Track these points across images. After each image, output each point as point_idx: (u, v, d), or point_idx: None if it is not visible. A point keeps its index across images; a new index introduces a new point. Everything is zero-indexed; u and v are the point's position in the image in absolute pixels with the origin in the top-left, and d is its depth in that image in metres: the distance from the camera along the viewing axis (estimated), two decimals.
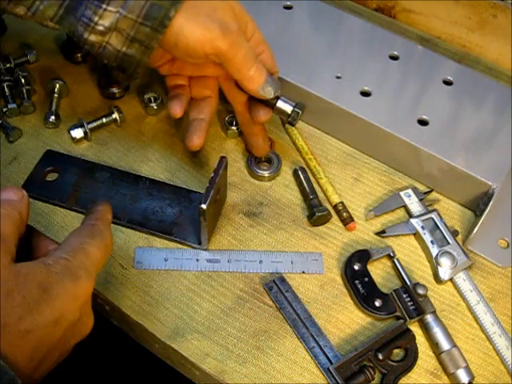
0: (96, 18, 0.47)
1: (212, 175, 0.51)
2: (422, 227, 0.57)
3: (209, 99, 0.58)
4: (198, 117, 0.58)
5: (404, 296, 0.52)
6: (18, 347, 0.35)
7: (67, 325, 0.38)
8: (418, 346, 0.51)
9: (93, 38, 0.48)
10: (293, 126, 0.57)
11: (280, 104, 0.55)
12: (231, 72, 0.52)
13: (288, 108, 0.55)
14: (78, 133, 0.62)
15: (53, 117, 0.63)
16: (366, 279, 0.53)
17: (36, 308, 0.36)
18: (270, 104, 0.55)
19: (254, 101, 0.56)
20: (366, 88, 0.64)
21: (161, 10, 0.47)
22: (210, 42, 0.48)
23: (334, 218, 0.59)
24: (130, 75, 0.52)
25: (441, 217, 0.58)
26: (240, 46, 0.50)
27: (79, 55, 0.69)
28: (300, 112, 0.55)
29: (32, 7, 0.47)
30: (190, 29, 0.48)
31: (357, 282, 0.53)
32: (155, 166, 0.62)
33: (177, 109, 0.56)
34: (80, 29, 0.48)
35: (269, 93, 0.53)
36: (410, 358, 0.50)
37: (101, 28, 0.48)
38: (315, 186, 0.60)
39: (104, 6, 0.47)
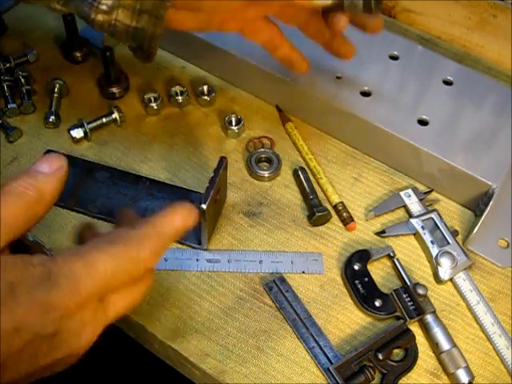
0: None
1: (212, 175, 0.51)
2: (422, 227, 0.57)
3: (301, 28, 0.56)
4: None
5: (404, 296, 0.52)
6: None
7: (31, 337, 0.32)
8: (418, 345, 0.51)
9: (100, 17, 0.47)
10: (371, 12, 0.48)
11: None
12: None
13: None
14: (77, 133, 0.62)
15: (53, 117, 0.63)
16: (366, 279, 0.53)
17: None
18: (337, 7, 0.49)
19: (324, 12, 0.52)
20: (365, 88, 0.64)
21: None
22: None
23: (334, 217, 0.59)
24: (148, 52, 0.50)
25: (441, 217, 0.58)
26: None
27: (79, 55, 0.69)
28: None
29: None
30: None
31: (357, 282, 0.53)
32: (155, 165, 0.62)
33: (303, 64, 0.55)
34: (86, 9, 0.47)
35: None
36: (410, 358, 0.50)
37: (104, 7, 0.46)
38: (315, 185, 0.60)
39: None
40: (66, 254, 0.35)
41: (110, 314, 0.37)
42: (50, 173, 0.38)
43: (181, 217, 0.40)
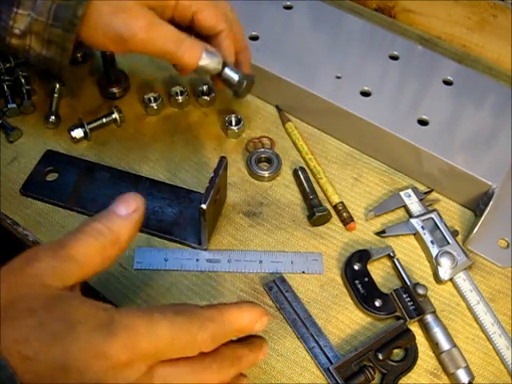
0: (11, 22, 0.48)
1: (212, 175, 0.51)
2: (422, 227, 0.57)
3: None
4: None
5: (404, 296, 0.52)
6: (13, 362, 0.31)
7: (78, 380, 0.32)
8: (418, 345, 0.51)
9: (14, 41, 0.49)
10: (239, 97, 0.54)
11: (225, 74, 0.53)
12: (161, 57, 0.51)
13: (234, 77, 0.53)
14: (77, 133, 0.62)
15: (53, 117, 0.63)
16: (366, 279, 0.53)
17: (48, 339, 0.32)
18: (217, 76, 0.53)
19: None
20: (365, 88, 0.64)
21: (68, 10, 0.47)
22: (118, 46, 0.49)
23: (334, 218, 0.59)
24: (57, 77, 0.52)
25: (441, 217, 0.58)
26: (154, 40, 0.48)
27: (79, 55, 0.69)
28: (244, 81, 0.52)
29: None
30: (93, 36, 0.48)
31: (357, 281, 0.53)
32: (155, 165, 0.62)
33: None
34: (2, 33, 0.49)
35: (206, 71, 0.51)
36: (410, 358, 0.50)
37: (17, 31, 0.48)
38: (315, 185, 0.60)
39: (15, 9, 0.48)
40: (132, 309, 0.35)
41: None
42: (127, 215, 0.38)
43: (250, 316, 0.39)
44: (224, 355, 0.38)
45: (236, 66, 0.55)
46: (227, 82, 0.53)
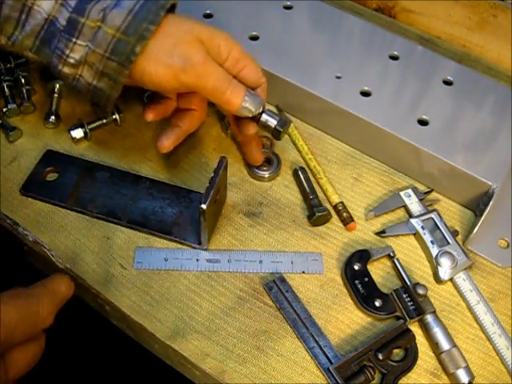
0: (67, 51, 0.49)
1: (212, 175, 0.51)
2: (422, 227, 0.57)
3: (193, 112, 0.58)
4: (176, 123, 0.57)
5: (404, 296, 0.52)
6: None
7: None
8: (418, 345, 0.51)
9: (66, 70, 0.50)
10: (278, 139, 0.56)
11: (264, 119, 0.55)
12: (208, 98, 0.53)
13: (272, 123, 0.55)
14: (77, 133, 0.62)
15: (53, 117, 0.63)
16: (366, 279, 0.53)
17: None
18: (254, 119, 0.55)
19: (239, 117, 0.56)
20: (365, 88, 0.64)
21: (127, 46, 0.48)
22: (175, 78, 0.50)
23: (334, 217, 0.59)
24: (103, 109, 0.53)
25: (441, 217, 0.58)
26: (209, 74, 0.50)
27: None
28: (281, 129, 0.55)
29: (12, 37, 0.50)
30: (152, 68, 0.49)
31: (357, 281, 0.53)
32: (155, 166, 0.62)
33: (164, 142, 0.56)
34: (55, 60, 0.50)
35: (249, 111, 0.53)
36: (410, 358, 0.50)
37: (72, 61, 0.50)
38: (315, 185, 0.60)
39: (74, 39, 0.49)
40: None
41: (10, 372, 0.39)
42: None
43: (64, 284, 0.45)
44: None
45: None
46: (266, 126, 0.55)
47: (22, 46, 0.50)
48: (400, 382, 0.49)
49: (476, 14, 0.73)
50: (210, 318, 0.52)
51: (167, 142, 0.56)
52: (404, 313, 0.51)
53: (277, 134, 0.55)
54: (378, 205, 0.60)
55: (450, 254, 0.55)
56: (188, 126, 0.58)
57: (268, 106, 0.67)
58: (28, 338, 0.40)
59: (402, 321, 0.51)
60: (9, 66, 0.66)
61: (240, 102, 0.52)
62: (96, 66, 0.50)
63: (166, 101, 0.57)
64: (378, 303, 0.52)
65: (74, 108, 0.66)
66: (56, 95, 0.65)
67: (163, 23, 0.49)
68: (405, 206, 0.59)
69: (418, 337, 0.51)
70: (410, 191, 0.60)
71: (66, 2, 0.48)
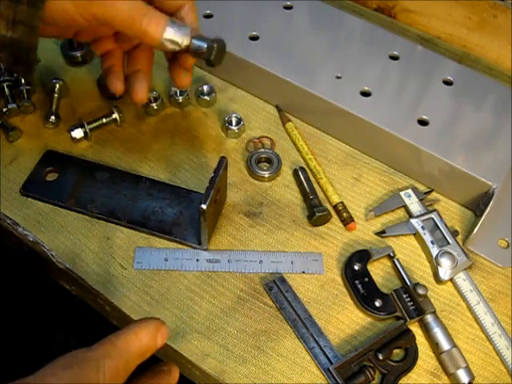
0: None
1: (212, 175, 0.51)
2: (422, 227, 0.57)
3: (142, 49, 0.55)
4: (135, 68, 0.54)
5: (404, 296, 0.52)
6: None
7: None
8: (418, 346, 0.51)
9: None
10: (213, 66, 0.50)
11: (194, 44, 0.48)
12: (123, 31, 0.48)
13: (203, 45, 0.48)
14: (78, 133, 0.62)
15: (53, 117, 0.63)
16: (366, 279, 0.53)
17: None
18: (187, 51, 0.49)
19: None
20: (365, 88, 0.64)
21: None
22: (84, 8, 0.45)
23: (334, 217, 0.59)
24: (27, 63, 0.49)
25: (441, 217, 0.58)
26: (118, 2, 0.45)
27: (79, 55, 0.69)
28: (215, 46, 0.48)
29: None
30: (61, 2, 0.45)
31: (357, 282, 0.53)
32: (155, 165, 0.62)
33: (117, 84, 0.53)
34: None
35: (174, 44, 0.47)
36: (410, 358, 0.50)
37: None
38: (315, 186, 0.60)
39: None
40: (24, 379, 0.33)
41: None
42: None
43: (147, 333, 0.38)
44: None
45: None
46: (197, 52, 0.49)
47: None
48: (400, 382, 0.49)
49: (476, 14, 0.73)
50: (209, 317, 0.52)
51: (142, 93, 0.53)
52: (404, 313, 0.51)
53: (209, 54, 0.49)
54: (378, 205, 0.60)
55: (450, 254, 0.55)
56: (147, 66, 0.54)
57: (268, 106, 0.68)
58: None
59: (402, 321, 0.51)
60: None
61: (160, 33, 0.46)
62: (6, 15, 0.45)
63: (115, 60, 0.54)
64: (378, 303, 0.52)
65: (74, 108, 0.66)
66: (56, 95, 0.65)
67: None
68: (405, 206, 0.59)
69: (418, 337, 0.51)
70: (410, 191, 0.60)
71: None
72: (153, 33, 0.47)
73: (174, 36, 0.47)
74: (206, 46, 0.48)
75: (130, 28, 0.47)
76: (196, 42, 0.48)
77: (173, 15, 0.50)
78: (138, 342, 0.37)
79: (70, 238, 0.56)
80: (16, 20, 0.45)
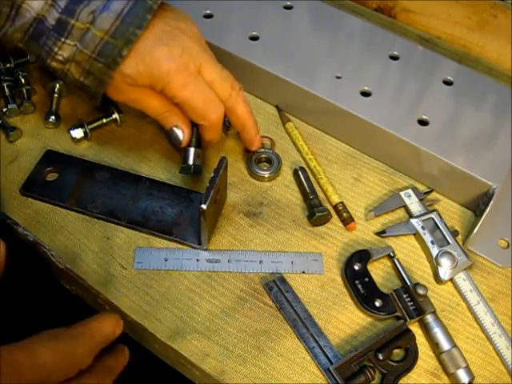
0: (56, 49, 0.51)
1: (212, 175, 0.51)
2: (422, 227, 0.57)
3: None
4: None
5: (404, 296, 0.52)
6: None
7: None
8: (418, 346, 0.51)
9: (54, 64, 0.52)
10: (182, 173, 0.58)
11: (187, 152, 0.57)
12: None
13: (190, 159, 0.57)
14: (78, 133, 0.62)
15: (53, 117, 0.63)
16: (366, 279, 0.53)
17: None
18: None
19: None
20: (366, 88, 0.64)
21: (114, 49, 0.49)
22: (160, 78, 0.51)
23: (334, 217, 0.59)
24: (92, 99, 0.55)
25: (441, 217, 0.58)
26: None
27: None
28: (191, 167, 0.57)
29: (2, 29, 0.51)
30: (140, 64, 0.50)
31: (357, 282, 0.53)
32: (155, 166, 0.62)
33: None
34: (43, 54, 0.52)
35: (174, 140, 0.56)
36: (410, 358, 0.50)
37: (60, 58, 0.51)
38: (315, 185, 0.60)
39: (63, 39, 0.50)
40: (11, 346, 0.38)
41: None
42: None
43: (110, 323, 0.45)
44: (99, 369, 0.43)
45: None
46: (175, 140, 0.57)
47: (12, 37, 0.51)
48: (400, 382, 0.49)
49: (476, 13, 0.73)
50: (209, 317, 0.52)
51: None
52: (404, 313, 0.51)
53: (185, 170, 0.57)
54: (378, 205, 0.60)
55: (450, 254, 0.55)
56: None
57: (268, 106, 0.68)
58: (66, 379, 0.40)
59: (402, 321, 0.51)
60: (9, 65, 0.66)
61: (168, 126, 0.56)
62: (83, 64, 0.51)
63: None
64: (378, 303, 0.52)
65: (74, 108, 0.66)
66: (56, 95, 0.65)
67: (150, 26, 0.50)
68: (405, 206, 0.59)
69: (418, 337, 0.51)
70: (410, 191, 0.60)
71: (55, 2, 0.49)
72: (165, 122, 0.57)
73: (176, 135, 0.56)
74: (191, 162, 0.57)
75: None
76: (191, 152, 0.57)
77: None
78: (105, 328, 0.44)
79: (70, 237, 0.56)
80: (90, 71, 0.51)
